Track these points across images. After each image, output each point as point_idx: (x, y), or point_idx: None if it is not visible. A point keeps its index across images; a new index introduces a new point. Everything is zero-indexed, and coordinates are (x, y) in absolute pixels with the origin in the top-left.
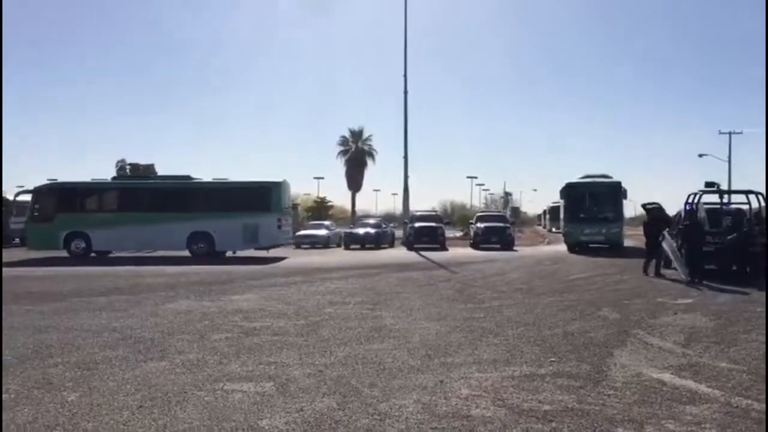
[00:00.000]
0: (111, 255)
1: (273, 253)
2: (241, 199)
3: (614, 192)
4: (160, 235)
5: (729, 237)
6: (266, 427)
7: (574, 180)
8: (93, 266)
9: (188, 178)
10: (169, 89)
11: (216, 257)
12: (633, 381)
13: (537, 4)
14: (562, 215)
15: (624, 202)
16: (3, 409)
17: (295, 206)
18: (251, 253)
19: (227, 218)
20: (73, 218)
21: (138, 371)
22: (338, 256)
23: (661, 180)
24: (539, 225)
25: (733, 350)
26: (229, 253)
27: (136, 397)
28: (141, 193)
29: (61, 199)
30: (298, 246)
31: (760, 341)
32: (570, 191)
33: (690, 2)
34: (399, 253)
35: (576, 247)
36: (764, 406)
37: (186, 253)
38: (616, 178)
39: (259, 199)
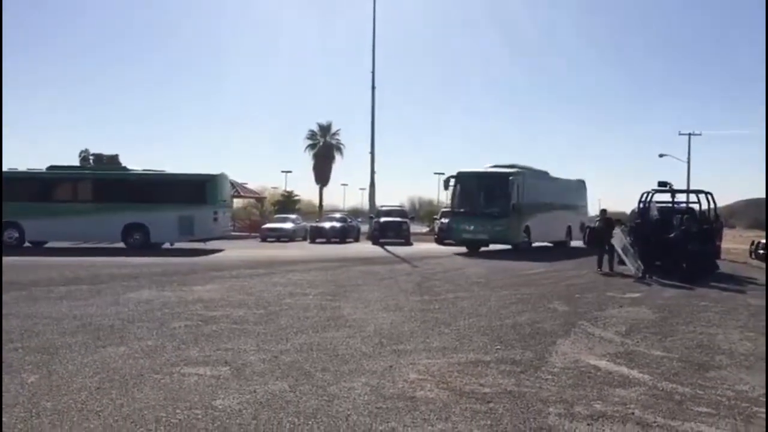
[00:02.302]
0: (46, 246)
1: (211, 245)
2: (177, 192)
3: (502, 184)
4: (94, 226)
5: (670, 235)
6: (220, 407)
7: (464, 169)
8: (40, 257)
9: (124, 169)
10: (139, 83)
11: (151, 249)
12: (571, 367)
13: (508, 6)
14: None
15: (515, 196)
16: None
17: (261, 199)
18: (191, 245)
19: (163, 210)
20: (6, 208)
21: (97, 356)
22: (303, 249)
23: (623, 178)
24: None
25: (669, 340)
26: (166, 245)
27: (94, 380)
28: (76, 184)
29: None
30: (264, 239)
31: (697, 332)
32: (456, 182)
33: (652, 6)
34: (364, 248)
35: (463, 245)
36: (688, 390)
37: (121, 244)
38: (544, 169)
39: (195, 191)
